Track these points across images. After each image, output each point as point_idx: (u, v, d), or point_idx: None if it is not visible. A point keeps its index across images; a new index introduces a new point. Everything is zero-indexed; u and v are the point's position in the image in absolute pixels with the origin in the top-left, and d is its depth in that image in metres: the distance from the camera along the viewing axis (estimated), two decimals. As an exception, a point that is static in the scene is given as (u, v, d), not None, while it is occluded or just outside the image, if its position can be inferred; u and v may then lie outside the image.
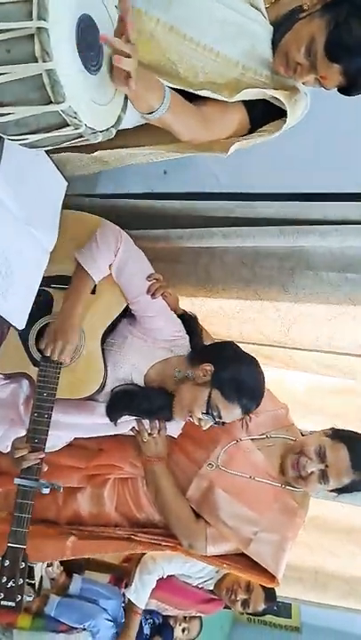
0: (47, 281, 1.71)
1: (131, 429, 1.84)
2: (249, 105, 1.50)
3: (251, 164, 2.11)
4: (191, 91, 1.42)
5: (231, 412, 1.68)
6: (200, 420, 1.68)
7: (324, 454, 1.77)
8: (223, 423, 1.71)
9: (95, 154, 1.64)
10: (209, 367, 1.70)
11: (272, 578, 1.80)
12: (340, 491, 1.82)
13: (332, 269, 2.08)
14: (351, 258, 2.06)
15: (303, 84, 1.42)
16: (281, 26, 1.39)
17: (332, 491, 1.83)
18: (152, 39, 1.34)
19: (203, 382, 1.69)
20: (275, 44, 1.41)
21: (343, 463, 1.75)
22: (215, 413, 1.66)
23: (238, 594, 2.48)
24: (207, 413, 1.66)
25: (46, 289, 1.74)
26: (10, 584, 1.56)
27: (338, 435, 1.83)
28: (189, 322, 1.89)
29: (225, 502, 1.80)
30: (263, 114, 1.52)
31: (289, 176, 2.09)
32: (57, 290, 1.77)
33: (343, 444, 1.77)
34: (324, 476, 1.77)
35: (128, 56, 1.12)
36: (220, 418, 1.67)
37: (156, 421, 1.83)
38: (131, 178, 2.24)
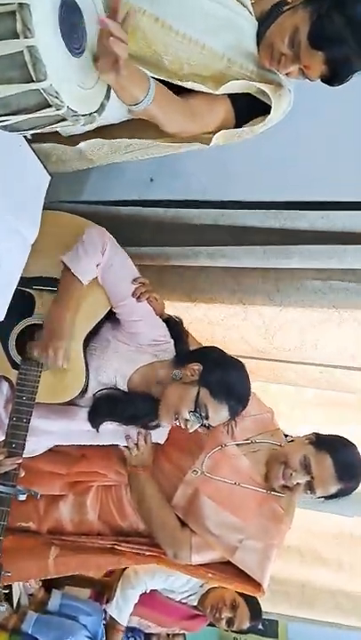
0: (28, 282, 1.69)
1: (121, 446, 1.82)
2: (233, 100, 1.50)
3: (237, 172, 2.14)
4: (177, 82, 1.42)
5: (218, 413, 1.65)
6: (187, 421, 1.64)
7: (309, 465, 1.76)
8: (209, 427, 1.67)
9: (79, 145, 1.62)
10: (197, 366, 1.68)
11: (257, 586, 1.78)
12: (327, 497, 1.80)
13: (316, 278, 2.10)
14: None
15: (287, 75, 1.43)
16: (265, 20, 1.41)
17: (319, 497, 1.80)
18: (138, 30, 1.34)
19: (191, 381, 1.66)
20: (259, 37, 1.42)
21: (329, 474, 1.75)
22: (203, 413, 1.63)
23: (223, 612, 2.42)
24: (195, 412, 1.62)
25: (28, 290, 1.71)
26: (-16, 593, 1.52)
27: (321, 443, 1.82)
28: (175, 326, 1.86)
29: (210, 510, 1.77)
30: (248, 109, 1.52)
31: (276, 184, 2.11)
32: (38, 291, 1.73)
33: (327, 454, 1.77)
34: (310, 487, 1.76)
35: (122, 42, 1.14)
36: (206, 418, 1.64)
37: (142, 430, 1.80)
38: (117, 185, 2.24)
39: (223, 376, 1.66)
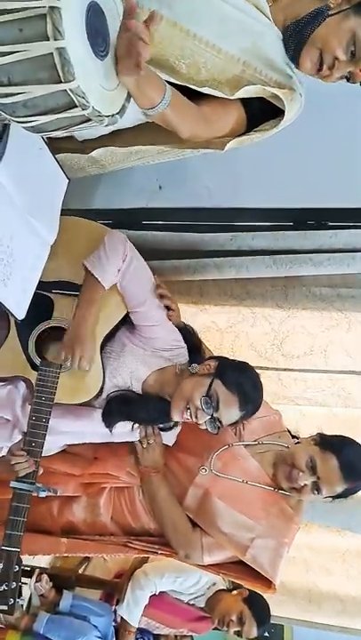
0: (47, 286, 1.73)
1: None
2: (246, 103, 1.53)
3: (245, 179, 2.16)
4: (193, 87, 1.45)
5: (229, 406, 1.66)
6: (197, 410, 1.65)
7: (315, 467, 1.77)
8: (219, 426, 1.69)
9: (92, 153, 1.66)
10: (213, 362, 1.73)
11: (269, 584, 1.80)
12: (334, 497, 1.81)
13: (324, 285, 2.13)
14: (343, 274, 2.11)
15: (325, 78, 1.45)
16: (307, 23, 1.41)
17: (325, 497, 1.82)
18: (156, 34, 1.34)
19: (206, 374, 1.70)
20: (296, 41, 1.43)
21: (334, 474, 1.76)
22: (214, 404, 1.64)
23: (231, 626, 2.43)
24: (206, 396, 1.64)
25: (46, 294, 1.75)
26: (3, 587, 1.55)
27: (326, 443, 1.83)
28: (190, 336, 1.89)
29: (221, 510, 1.79)
30: (260, 113, 1.56)
31: (283, 191, 2.13)
32: (57, 295, 1.77)
33: (333, 455, 1.78)
34: (317, 488, 1.77)
35: (146, 43, 1.16)
36: (217, 410, 1.65)
37: (152, 428, 1.83)
38: (126, 193, 2.27)
39: (238, 373, 1.71)
